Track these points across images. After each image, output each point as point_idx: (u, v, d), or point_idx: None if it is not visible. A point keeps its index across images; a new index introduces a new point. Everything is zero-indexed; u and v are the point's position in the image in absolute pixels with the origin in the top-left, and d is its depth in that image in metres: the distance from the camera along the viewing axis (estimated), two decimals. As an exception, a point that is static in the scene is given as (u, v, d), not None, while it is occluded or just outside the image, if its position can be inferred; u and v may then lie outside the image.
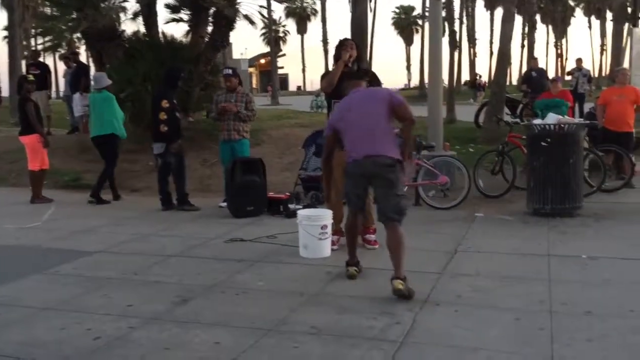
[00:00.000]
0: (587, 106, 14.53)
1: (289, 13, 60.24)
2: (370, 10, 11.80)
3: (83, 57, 17.75)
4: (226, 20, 10.98)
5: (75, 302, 4.20)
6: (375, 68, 10.01)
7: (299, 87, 70.03)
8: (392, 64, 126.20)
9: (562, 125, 6.75)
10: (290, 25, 63.47)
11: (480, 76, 38.32)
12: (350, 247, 4.69)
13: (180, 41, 11.82)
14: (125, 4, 11.15)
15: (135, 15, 11.66)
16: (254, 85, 47.47)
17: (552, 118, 6.92)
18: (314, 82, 75.94)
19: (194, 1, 11.30)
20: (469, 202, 7.56)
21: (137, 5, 11.69)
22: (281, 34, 61.55)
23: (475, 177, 8.04)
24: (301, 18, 61.76)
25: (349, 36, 10.35)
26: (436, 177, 7.61)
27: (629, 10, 13.59)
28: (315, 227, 5.20)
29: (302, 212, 5.40)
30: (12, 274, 4.88)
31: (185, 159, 7.95)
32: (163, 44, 11.60)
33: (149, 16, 11.61)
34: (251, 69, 58.73)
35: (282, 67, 55.26)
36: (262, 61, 53.77)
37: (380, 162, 4.32)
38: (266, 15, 36.54)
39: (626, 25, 13.79)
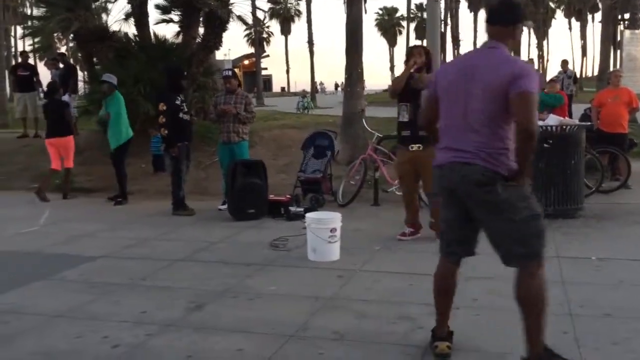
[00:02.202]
0: (574, 106, 14.75)
1: (273, 14, 60.03)
2: (365, 13, 11.90)
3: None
4: (219, 21, 10.89)
5: (86, 309, 4.10)
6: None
7: (282, 89, 69.91)
8: (375, 65, 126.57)
9: (564, 127, 6.79)
10: (274, 26, 63.44)
11: None
12: (440, 310, 3.35)
13: (172, 42, 11.71)
14: (117, 5, 10.92)
15: (127, 16, 11.51)
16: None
17: (553, 120, 6.96)
18: (298, 83, 76.01)
19: (186, 2, 11.19)
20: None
21: (129, 6, 11.49)
22: (265, 35, 61.38)
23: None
24: (285, 19, 61.65)
25: (343, 39, 10.44)
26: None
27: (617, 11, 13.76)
28: (324, 230, 5.16)
29: (311, 215, 5.35)
30: (17, 280, 4.76)
31: (188, 164, 7.78)
32: (154, 45, 11.48)
33: (140, 17, 11.48)
34: (235, 70, 58.57)
35: (265, 68, 55.15)
36: (246, 62, 53.43)
37: (469, 177, 2.96)
38: (251, 16, 36.47)
39: (620, 27, 13.92)
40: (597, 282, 4.49)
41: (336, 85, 61.11)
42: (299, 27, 78.49)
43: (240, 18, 11.42)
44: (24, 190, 9.74)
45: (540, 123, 7.05)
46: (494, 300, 4.13)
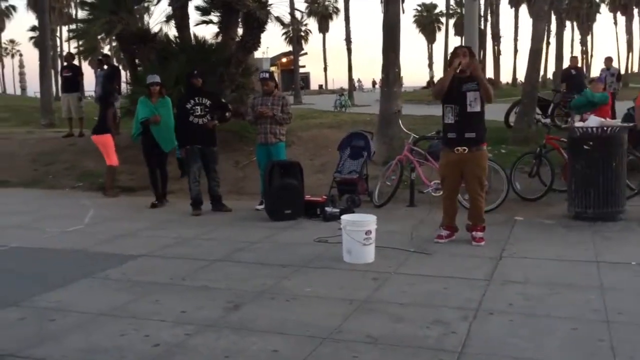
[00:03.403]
0: (618, 104, 14.38)
1: (311, 12, 60.22)
2: (403, 12, 11.76)
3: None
4: (257, 22, 11.02)
5: (128, 307, 4.25)
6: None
7: (320, 86, 69.97)
8: (414, 61, 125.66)
9: (605, 128, 6.66)
10: (312, 24, 63.56)
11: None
12: None
13: (211, 43, 11.89)
14: (158, 7, 11.17)
15: (168, 19, 11.75)
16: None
17: (594, 121, 6.83)
18: (335, 81, 76.04)
19: (225, 3, 11.35)
20: (506, 206, 7.51)
21: (170, 8, 11.73)
22: (303, 33, 61.57)
23: (512, 180, 7.98)
24: (323, 17, 61.70)
25: (380, 36, 10.43)
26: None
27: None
28: (359, 232, 5.21)
29: (347, 217, 5.40)
30: (64, 278, 4.96)
31: (208, 166, 7.87)
32: (195, 46, 11.68)
33: (181, 19, 11.70)
34: (273, 68, 58.91)
35: (303, 66, 55.33)
36: (284, 60, 53.79)
37: None
38: (289, 16, 36.63)
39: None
40: (637, 288, 4.42)
41: (374, 83, 60.88)
42: (336, 24, 78.38)
43: (278, 19, 11.53)
44: (69, 188, 10.09)
45: (580, 124, 6.96)
46: (529, 305, 4.11)
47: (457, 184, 6.03)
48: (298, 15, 41.75)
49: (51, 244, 6.26)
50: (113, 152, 9.36)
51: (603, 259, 5.15)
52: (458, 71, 5.65)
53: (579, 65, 15.12)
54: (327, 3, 61.70)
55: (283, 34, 54.28)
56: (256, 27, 11.11)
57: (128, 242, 6.28)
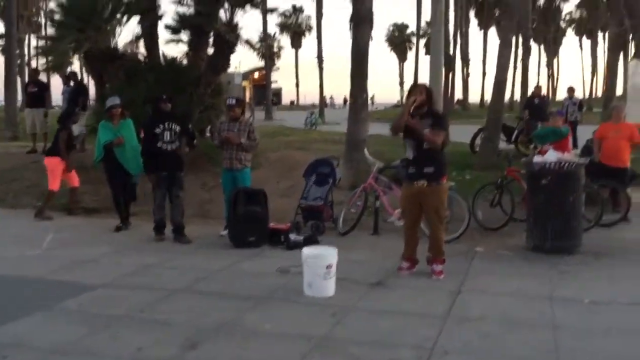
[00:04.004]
0: (580, 128, 14.78)
1: (284, 28, 60.60)
2: (371, 39, 11.91)
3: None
4: (227, 44, 11.06)
5: (84, 342, 4.19)
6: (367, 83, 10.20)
7: (292, 102, 70.25)
8: (386, 79, 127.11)
9: (562, 164, 6.85)
10: (285, 39, 63.88)
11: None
12: None
13: (180, 63, 11.88)
14: (128, 25, 11.15)
15: (137, 38, 11.71)
16: (247, 99, 47.57)
17: (552, 156, 7.01)
18: (307, 96, 76.34)
19: (195, 24, 11.37)
20: (468, 235, 7.63)
21: (139, 26, 11.70)
22: (275, 49, 61.84)
23: (474, 209, 8.12)
24: (296, 33, 62.11)
25: (348, 59, 10.57)
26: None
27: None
28: (320, 266, 5.24)
29: (308, 251, 5.43)
30: (19, 309, 4.86)
31: (173, 193, 7.64)
32: (164, 66, 11.65)
33: (150, 37, 11.67)
34: (245, 83, 58.78)
35: (275, 81, 55.47)
36: (256, 75, 53.85)
37: None
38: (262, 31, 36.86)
39: (621, 55, 13.97)
40: (587, 327, 4.53)
41: (345, 100, 61.21)
42: (309, 40, 78.83)
43: (248, 42, 11.59)
44: (31, 208, 9.89)
45: (539, 159, 7.14)
46: (485, 345, 4.18)
47: (417, 217, 6.12)
48: (271, 30, 41.94)
49: (8, 271, 6.13)
50: (56, 177, 9.07)
51: (557, 295, 5.27)
52: (412, 109, 5.76)
53: (543, 93, 15.54)
54: (300, 20, 62.16)
55: (257, 46, 54.35)
56: (226, 49, 11.14)
57: (87, 270, 6.20)
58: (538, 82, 36.97)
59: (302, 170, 9.43)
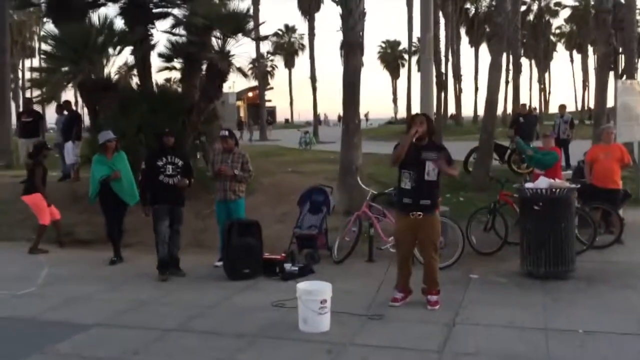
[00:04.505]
0: (571, 147, 14.85)
1: (277, 48, 60.98)
2: (362, 65, 12.02)
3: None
4: (219, 73, 11.13)
5: (77, 390, 4.18)
6: (361, 101, 10.29)
7: (286, 120, 70.65)
8: (379, 97, 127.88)
9: (554, 190, 6.89)
10: (278, 59, 64.24)
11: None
12: None
13: (174, 91, 11.94)
14: (121, 55, 11.22)
15: (130, 68, 11.77)
16: (242, 119, 47.84)
17: (543, 182, 7.06)
18: (301, 114, 76.70)
19: (188, 53, 11.45)
20: (462, 260, 7.64)
21: (132, 56, 11.78)
22: (269, 68, 62.22)
23: (468, 234, 8.15)
24: (289, 53, 62.51)
25: (340, 85, 10.65)
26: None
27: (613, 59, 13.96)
28: (314, 301, 5.24)
29: (302, 286, 5.43)
30: (12, 354, 4.84)
31: (160, 227, 7.44)
32: (157, 95, 11.71)
33: (143, 67, 11.75)
34: (239, 102, 59.13)
35: (269, 100, 55.76)
36: (250, 94, 54.14)
37: None
38: (256, 52, 37.15)
39: (611, 73, 14.13)
40: (582, 359, 4.54)
41: (339, 117, 61.54)
42: (302, 59, 79.32)
43: (240, 70, 11.64)
44: (25, 240, 9.85)
45: (530, 185, 7.18)
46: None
47: (411, 247, 6.15)
48: (262, 50, 42.16)
49: (1, 311, 6.10)
50: (43, 211, 9.09)
51: (552, 326, 5.27)
52: (414, 140, 5.79)
53: (533, 110, 15.69)
54: (292, 40, 62.59)
55: (249, 70, 54.81)
56: (218, 77, 11.21)
57: (81, 308, 6.18)
58: (530, 98, 37.33)
59: (296, 195, 9.46)
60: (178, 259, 7.65)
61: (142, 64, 11.74)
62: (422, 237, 5.93)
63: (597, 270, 7.14)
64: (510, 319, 5.52)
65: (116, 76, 11.41)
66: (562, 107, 15.47)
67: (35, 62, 46.19)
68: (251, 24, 11.70)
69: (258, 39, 15.70)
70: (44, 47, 11.98)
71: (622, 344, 4.87)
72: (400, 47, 65.62)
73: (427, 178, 5.79)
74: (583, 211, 8.08)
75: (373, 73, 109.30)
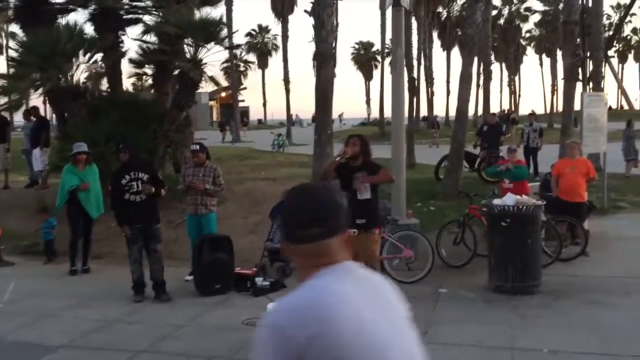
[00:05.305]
0: (540, 154, 15.12)
1: (250, 48, 60.68)
2: (334, 76, 12.11)
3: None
4: (191, 81, 11.07)
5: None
6: (335, 102, 10.37)
7: (259, 120, 70.41)
8: (352, 97, 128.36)
9: (521, 207, 7.03)
10: (252, 57, 63.92)
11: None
12: None
13: (144, 99, 11.83)
14: (90, 63, 11.06)
15: (100, 76, 11.62)
16: (214, 119, 47.51)
17: (510, 199, 7.19)
18: (275, 114, 76.57)
19: (159, 61, 11.36)
20: (433, 272, 7.73)
21: (102, 63, 11.63)
22: (242, 68, 61.86)
23: (438, 247, 8.25)
24: (262, 53, 62.25)
25: (313, 95, 10.71)
26: (401, 251, 7.78)
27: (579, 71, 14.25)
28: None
29: (272, 306, 5.42)
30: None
31: (132, 248, 7.06)
32: (127, 102, 11.58)
33: (113, 74, 11.62)
34: (212, 102, 58.74)
35: (243, 100, 55.50)
36: (223, 94, 53.80)
37: None
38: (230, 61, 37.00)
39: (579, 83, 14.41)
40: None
41: (313, 118, 61.52)
42: (276, 59, 79.14)
43: (212, 79, 11.58)
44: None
45: (498, 202, 7.31)
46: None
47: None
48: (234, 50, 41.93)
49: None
50: None
51: (517, 345, 5.38)
52: (344, 160, 5.97)
53: (495, 121, 16.02)
54: (266, 40, 62.38)
55: (222, 70, 54.52)
56: (190, 85, 11.15)
57: (49, 327, 6.09)
58: (500, 101, 37.91)
59: (269, 204, 9.46)
60: (163, 282, 7.12)
61: (113, 71, 11.61)
62: (361, 253, 5.75)
63: (564, 284, 7.29)
64: (477, 337, 5.61)
65: (86, 83, 11.17)
66: (532, 115, 15.77)
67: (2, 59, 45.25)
68: (224, 32, 11.64)
69: (231, 47, 15.65)
70: (12, 53, 11.77)
71: (585, 363, 5.00)
72: (374, 49, 65.90)
73: (359, 197, 5.92)
74: (549, 224, 8.25)
75: (347, 73, 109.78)
